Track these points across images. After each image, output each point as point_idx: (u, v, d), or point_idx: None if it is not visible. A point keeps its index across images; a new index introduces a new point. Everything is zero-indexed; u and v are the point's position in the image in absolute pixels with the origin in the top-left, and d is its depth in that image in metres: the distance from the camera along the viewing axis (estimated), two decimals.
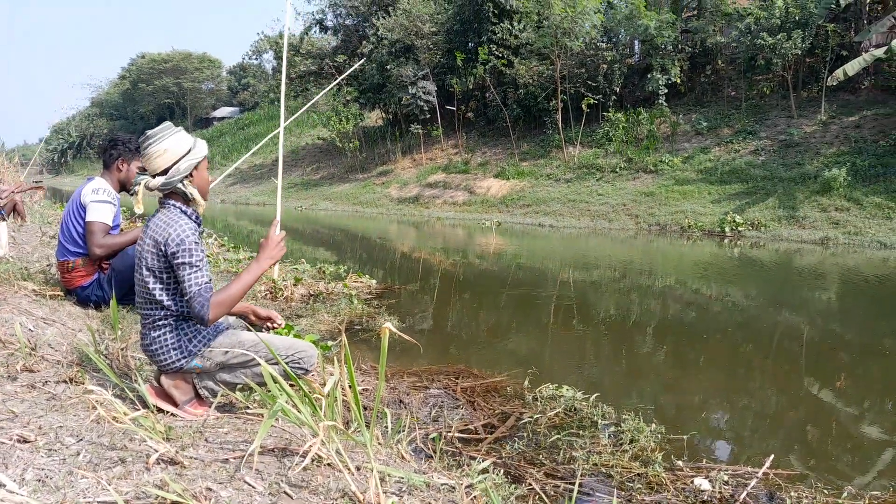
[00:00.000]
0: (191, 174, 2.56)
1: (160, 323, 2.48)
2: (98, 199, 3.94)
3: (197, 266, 2.41)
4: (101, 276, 4.03)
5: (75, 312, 3.81)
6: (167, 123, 2.63)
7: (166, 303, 2.48)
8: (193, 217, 2.58)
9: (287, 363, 2.58)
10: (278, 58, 37.77)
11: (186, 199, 2.58)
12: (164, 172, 2.51)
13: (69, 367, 2.72)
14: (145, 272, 2.48)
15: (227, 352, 2.52)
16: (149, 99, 68.47)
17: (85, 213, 3.93)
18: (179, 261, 2.40)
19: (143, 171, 2.57)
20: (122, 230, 4.22)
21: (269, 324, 2.93)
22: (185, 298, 2.41)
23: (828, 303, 8.13)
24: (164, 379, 2.53)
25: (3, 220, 5.73)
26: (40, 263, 4.81)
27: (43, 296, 3.79)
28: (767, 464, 2.99)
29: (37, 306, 3.55)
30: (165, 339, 2.47)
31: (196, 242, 2.45)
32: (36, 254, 5.49)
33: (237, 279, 2.51)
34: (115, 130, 70.65)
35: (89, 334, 3.09)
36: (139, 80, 68.69)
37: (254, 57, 61.18)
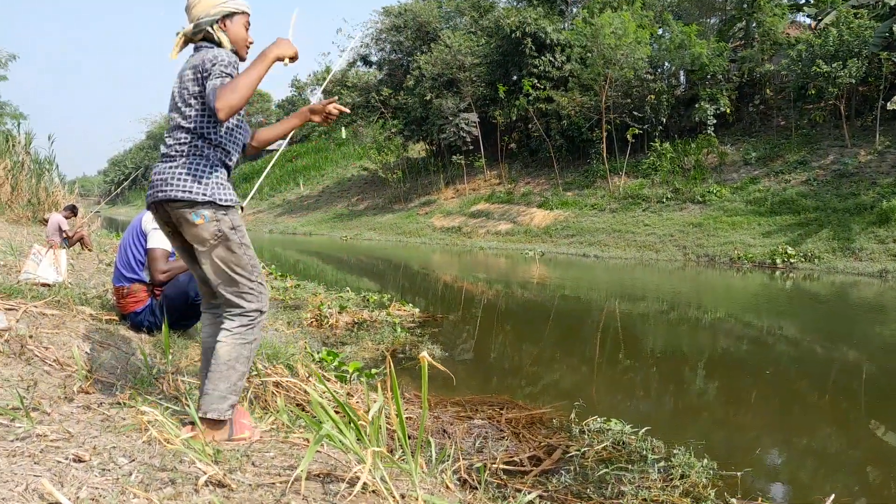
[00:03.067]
0: (223, 22, 2.53)
1: (181, 149, 2.45)
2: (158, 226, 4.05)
3: (223, 74, 2.35)
4: (154, 303, 4.14)
5: (129, 337, 3.91)
6: None
7: (190, 125, 2.45)
8: None
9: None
10: (324, 91, 38.75)
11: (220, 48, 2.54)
12: None
13: (123, 390, 2.79)
14: (180, 104, 2.45)
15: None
16: None
17: (145, 239, 4.05)
18: (212, 70, 2.36)
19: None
20: (178, 256, 4.33)
21: (332, 110, 2.79)
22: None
23: (888, 338, 7.78)
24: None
25: (64, 248, 5.97)
26: (97, 289, 4.97)
27: (99, 320, 3.91)
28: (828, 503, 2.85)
29: (93, 330, 3.66)
30: (179, 169, 2.43)
31: (232, 63, 2.41)
32: (93, 280, 5.68)
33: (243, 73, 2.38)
34: None
35: (142, 358, 3.17)
36: None
37: (294, 92, 63.06)
